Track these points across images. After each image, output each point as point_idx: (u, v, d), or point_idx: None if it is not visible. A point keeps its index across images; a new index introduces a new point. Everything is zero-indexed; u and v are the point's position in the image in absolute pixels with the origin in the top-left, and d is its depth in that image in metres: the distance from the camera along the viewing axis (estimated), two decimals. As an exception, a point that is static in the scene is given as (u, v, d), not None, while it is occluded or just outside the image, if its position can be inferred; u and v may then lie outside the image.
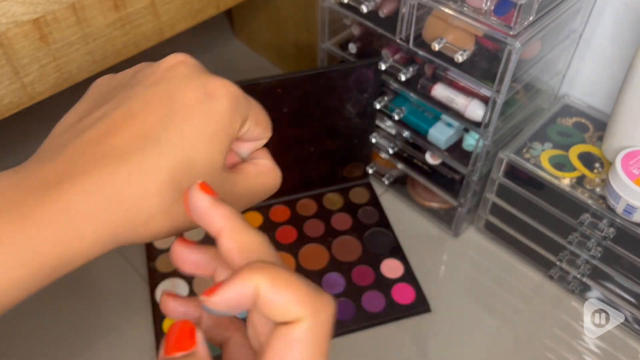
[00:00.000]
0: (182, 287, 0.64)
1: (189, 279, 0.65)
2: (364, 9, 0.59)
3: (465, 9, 0.52)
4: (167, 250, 0.67)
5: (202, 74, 0.29)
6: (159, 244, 0.68)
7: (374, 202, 0.73)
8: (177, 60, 0.29)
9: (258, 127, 0.30)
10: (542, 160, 0.61)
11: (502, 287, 0.66)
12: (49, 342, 0.60)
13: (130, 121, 0.26)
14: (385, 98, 0.66)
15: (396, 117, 0.65)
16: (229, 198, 0.28)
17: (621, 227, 0.55)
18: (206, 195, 0.25)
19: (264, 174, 0.31)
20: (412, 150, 0.68)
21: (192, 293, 0.63)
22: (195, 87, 0.27)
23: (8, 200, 0.23)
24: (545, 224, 0.62)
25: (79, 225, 0.24)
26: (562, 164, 0.60)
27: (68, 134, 0.27)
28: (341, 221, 0.71)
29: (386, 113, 0.67)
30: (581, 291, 0.63)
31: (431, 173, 0.68)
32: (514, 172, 0.62)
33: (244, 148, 0.31)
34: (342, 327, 0.61)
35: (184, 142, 0.26)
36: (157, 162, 0.25)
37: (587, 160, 0.61)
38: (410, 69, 0.61)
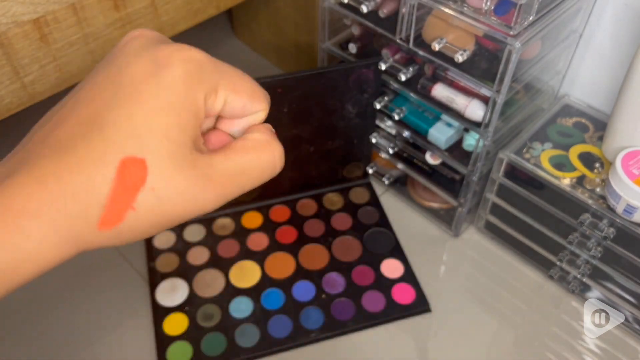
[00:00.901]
0: (182, 287, 0.64)
1: (189, 279, 0.64)
2: (364, 9, 0.59)
3: (465, 9, 0.52)
4: (168, 250, 0.67)
5: (156, 44, 0.25)
6: (159, 244, 0.68)
7: (374, 202, 0.73)
8: (132, 36, 0.26)
9: (239, 97, 0.26)
10: (542, 160, 0.61)
11: (502, 287, 0.66)
12: (48, 343, 0.60)
13: (76, 109, 0.24)
14: (385, 98, 0.66)
15: (396, 117, 0.65)
16: (202, 183, 0.24)
17: (621, 227, 0.55)
18: None
19: (254, 149, 0.26)
20: (412, 150, 0.68)
21: (192, 293, 0.63)
22: (146, 60, 0.24)
23: None
24: (546, 224, 0.62)
25: (21, 223, 0.22)
26: (562, 164, 0.60)
27: (26, 137, 0.25)
28: (341, 221, 0.71)
29: (386, 113, 0.67)
30: (581, 291, 0.63)
31: (431, 173, 0.68)
32: (514, 172, 0.62)
33: (236, 126, 0.28)
34: (342, 327, 0.61)
35: (132, 123, 0.23)
36: (104, 149, 0.22)
37: (587, 160, 0.61)
38: (410, 69, 0.61)
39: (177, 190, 0.23)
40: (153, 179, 0.23)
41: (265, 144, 0.27)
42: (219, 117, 0.28)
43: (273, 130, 0.28)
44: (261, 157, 0.26)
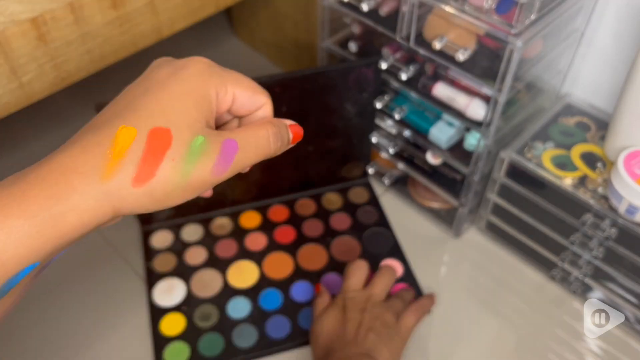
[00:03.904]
0: (179, 288, 0.63)
1: (187, 279, 0.64)
2: (365, 7, 0.59)
3: (466, 7, 0.52)
4: (165, 250, 0.67)
5: (174, 60, 0.32)
6: (156, 244, 0.67)
7: (374, 201, 0.73)
8: (157, 63, 0.33)
9: (244, 91, 0.33)
10: (543, 160, 0.60)
11: (503, 287, 0.65)
12: (46, 342, 0.59)
13: (113, 104, 0.30)
14: (386, 97, 0.66)
15: (397, 117, 0.65)
16: (215, 154, 0.30)
17: (623, 227, 0.55)
18: None
19: (252, 126, 0.32)
20: (412, 150, 0.67)
21: (189, 293, 0.63)
22: (167, 67, 0.31)
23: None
24: (547, 224, 0.62)
25: (69, 178, 0.26)
26: (564, 164, 0.60)
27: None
28: (340, 221, 0.71)
29: (386, 112, 0.67)
30: (583, 292, 0.63)
31: (432, 173, 0.67)
32: (515, 172, 0.61)
33: (253, 120, 0.34)
34: (342, 327, 0.60)
35: (159, 105, 0.29)
36: (137, 122, 0.28)
37: (589, 159, 0.60)
38: (411, 67, 0.61)
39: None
40: (176, 143, 0.28)
41: (261, 123, 0.33)
42: (240, 121, 0.35)
43: (286, 123, 0.35)
44: (257, 133, 0.32)
